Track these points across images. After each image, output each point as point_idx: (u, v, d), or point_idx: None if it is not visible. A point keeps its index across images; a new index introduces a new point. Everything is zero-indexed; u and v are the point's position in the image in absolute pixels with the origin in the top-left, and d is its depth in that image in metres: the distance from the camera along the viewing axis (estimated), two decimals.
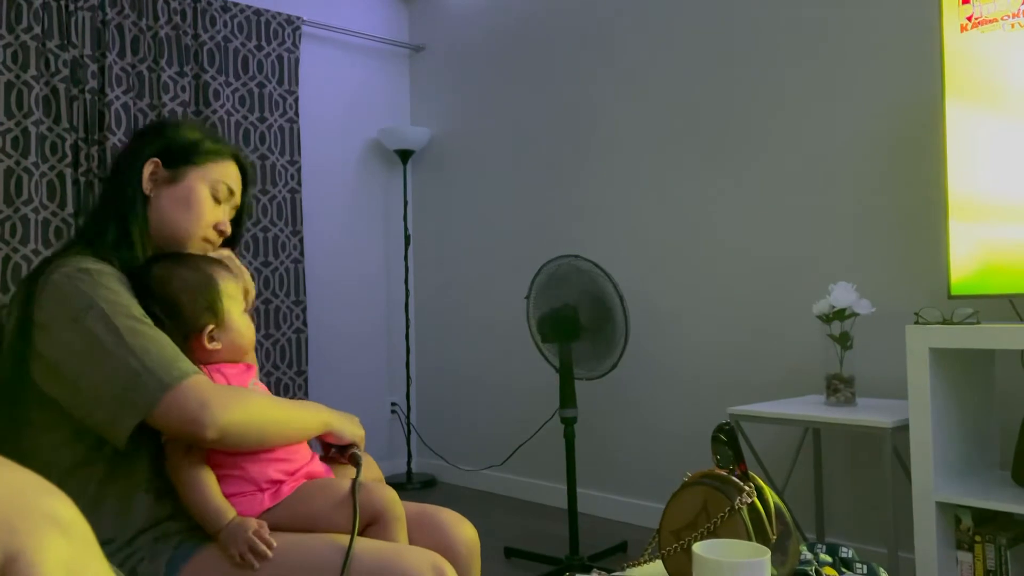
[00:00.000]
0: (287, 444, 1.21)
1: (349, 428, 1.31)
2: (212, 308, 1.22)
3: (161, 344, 1.10)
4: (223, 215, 1.34)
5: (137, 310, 1.13)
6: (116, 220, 1.25)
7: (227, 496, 1.15)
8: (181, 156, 1.30)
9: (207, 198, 1.31)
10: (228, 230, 1.34)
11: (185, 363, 1.10)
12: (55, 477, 1.11)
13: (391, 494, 1.22)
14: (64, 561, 0.45)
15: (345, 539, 1.12)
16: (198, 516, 1.12)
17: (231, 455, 1.16)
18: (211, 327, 1.22)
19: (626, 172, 3.35)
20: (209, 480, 1.13)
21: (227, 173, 1.34)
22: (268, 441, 1.17)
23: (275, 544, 1.09)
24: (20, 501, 0.46)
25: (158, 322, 1.15)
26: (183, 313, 1.20)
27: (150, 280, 1.20)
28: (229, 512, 1.12)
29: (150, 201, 1.28)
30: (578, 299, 2.72)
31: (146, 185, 1.28)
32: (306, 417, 1.24)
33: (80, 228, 1.29)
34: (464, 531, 1.34)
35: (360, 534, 1.15)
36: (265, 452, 1.19)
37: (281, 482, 1.19)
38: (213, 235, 1.33)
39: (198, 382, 1.08)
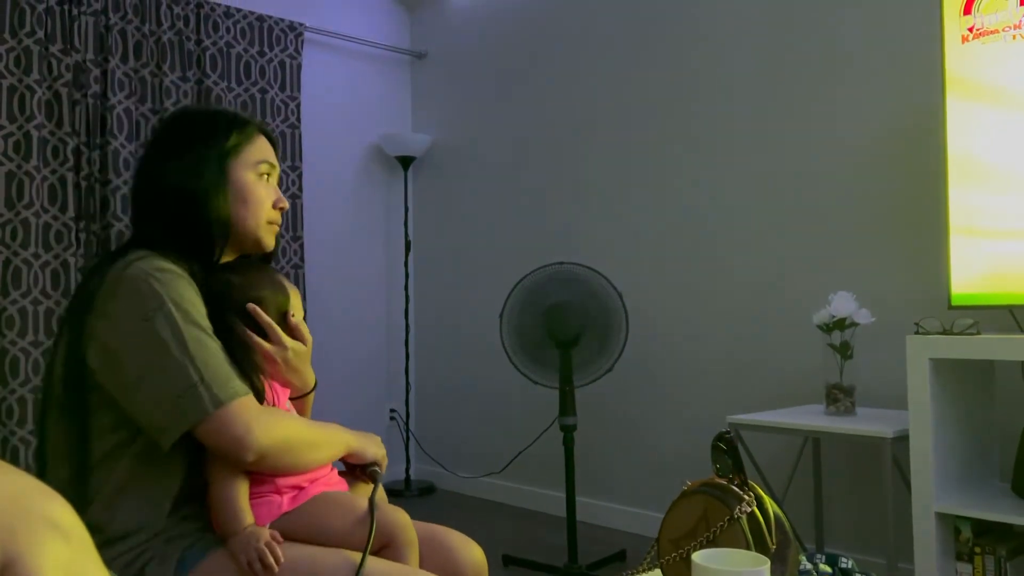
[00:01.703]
0: (316, 467, 1.23)
1: (371, 449, 1.34)
2: (282, 311, 1.29)
3: (220, 359, 1.13)
4: (275, 193, 1.36)
5: (203, 319, 1.15)
6: (198, 230, 1.27)
7: None
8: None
9: (256, 184, 1.32)
10: (286, 204, 1.37)
11: (238, 383, 1.13)
12: (91, 462, 1.14)
13: (405, 519, 1.22)
14: (63, 564, 0.45)
15: (357, 556, 1.12)
16: (216, 514, 1.14)
17: None
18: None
19: (627, 179, 3.35)
20: (241, 483, 1.14)
21: (262, 149, 1.35)
22: (300, 464, 1.19)
23: (283, 559, 1.10)
24: (20, 505, 0.46)
25: (228, 332, 1.20)
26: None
27: (229, 288, 1.24)
28: (247, 518, 1.12)
29: None
30: (573, 303, 2.72)
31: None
32: (333, 439, 1.26)
33: (146, 237, 1.27)
34: (472, 553, 1.34)
35: (372, 556, 1.15)
36: None
37: (301, 488, 1.20)
38: (275, 215, 1.36)
39: (247, 404, 1.12)
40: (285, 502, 1.18)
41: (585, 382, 2.76)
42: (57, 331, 1.22)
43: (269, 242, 1.36)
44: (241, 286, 1.26)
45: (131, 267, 1.14)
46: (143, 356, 1.10)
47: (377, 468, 1.32)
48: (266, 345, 1.25)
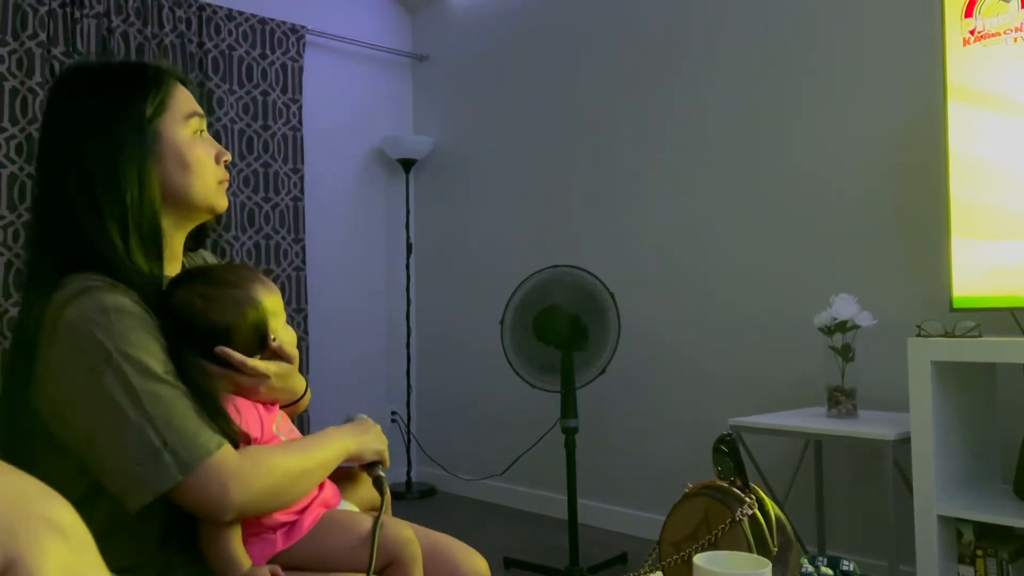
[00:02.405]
0: (311, 490, 1.15)
1: (370, 446, 1.24)
2: (261, 333, 1.13)
3: (183, 411, 1.00)
4: (214, 146, 1.21)
5: (160, 363, 1.01)
6: (122, 233, 1.09)
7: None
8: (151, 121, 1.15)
9: (193, 142, 1.17)
10: (228, 155, 1.23)
11: (208, 436, 1.00)
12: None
13: (409, 534, 1.17)
14: (63, 565, 0.45)
15: None
16: (212, 563, 1.06)
17: None
18: (258, 356, 1.14)
19: (628, 183, 3.35)
20: (232, 527, 1.06)
21: (185, 100, 1.18)
22: (292, 500, 1.10)
23: None
24: (20, 505, 0.46)
25: (188, 366, 1.05)
26: (230, 344, 1.10)
27: (193, 317, 1.08)
28: (243, 564, 1.06)
29: None
30: (565, 305, 2.72)
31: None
32: (327, 455, 1.15)
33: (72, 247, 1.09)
34: (475, 563, 1.31)
35: (377, 575, 1.12)
36: None
37: (292, 522, 1.13)
38: (221, 172, 1.21)
39: (221, 460, 1.00)
40: (279, 538, 1.11)
41: (580, 384, 2.76)
42: (4, 375, 1.09)
43: (222, 204, 1.22)
44: (205, 311, 1.08)
45: (69, 308, 1.00)
46: (95, 417, 0.98)
47: (382, 472, 1.25)
48: (243, 379, 1.11)
